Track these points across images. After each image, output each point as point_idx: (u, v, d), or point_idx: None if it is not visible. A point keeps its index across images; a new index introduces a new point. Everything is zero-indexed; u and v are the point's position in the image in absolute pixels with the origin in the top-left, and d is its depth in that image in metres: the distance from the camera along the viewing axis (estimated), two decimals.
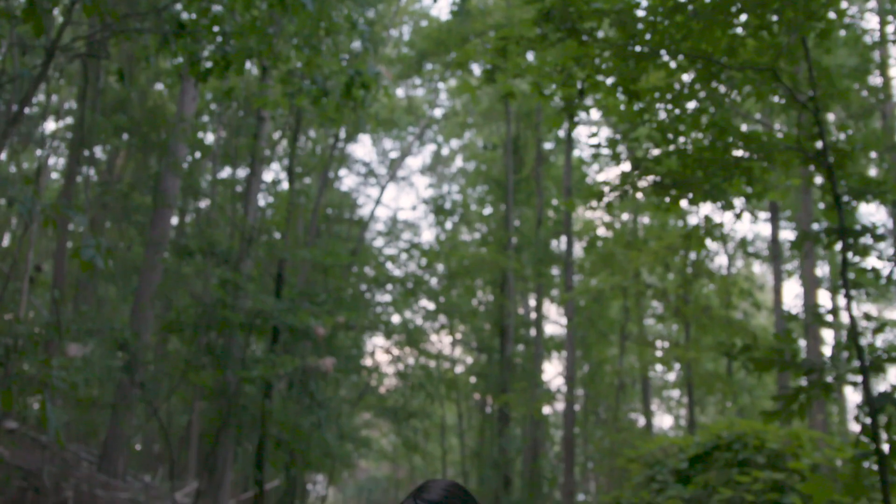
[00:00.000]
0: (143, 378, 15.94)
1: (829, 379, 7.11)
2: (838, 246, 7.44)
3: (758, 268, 34.58)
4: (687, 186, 7.92)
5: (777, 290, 23.36)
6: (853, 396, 34.38)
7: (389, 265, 29.56)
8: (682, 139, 8.02)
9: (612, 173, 24.19)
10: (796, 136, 7.62)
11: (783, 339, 7.07)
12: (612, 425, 22.59)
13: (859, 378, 7.04)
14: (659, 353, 24.13)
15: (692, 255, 21.95)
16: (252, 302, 15.97)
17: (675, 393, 39.55)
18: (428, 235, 53.29)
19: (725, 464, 10.48)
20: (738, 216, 12.12)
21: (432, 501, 2.16)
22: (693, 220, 23.11)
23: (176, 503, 16.63)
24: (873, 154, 19.23)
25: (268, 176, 27.89)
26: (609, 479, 20.20)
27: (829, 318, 10.73)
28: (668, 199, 8.36)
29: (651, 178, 8.02)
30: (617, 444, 21.04)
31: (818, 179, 8.36)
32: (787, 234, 27.36)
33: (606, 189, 8.42)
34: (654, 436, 20.33)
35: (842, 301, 8.09)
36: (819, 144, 7.54)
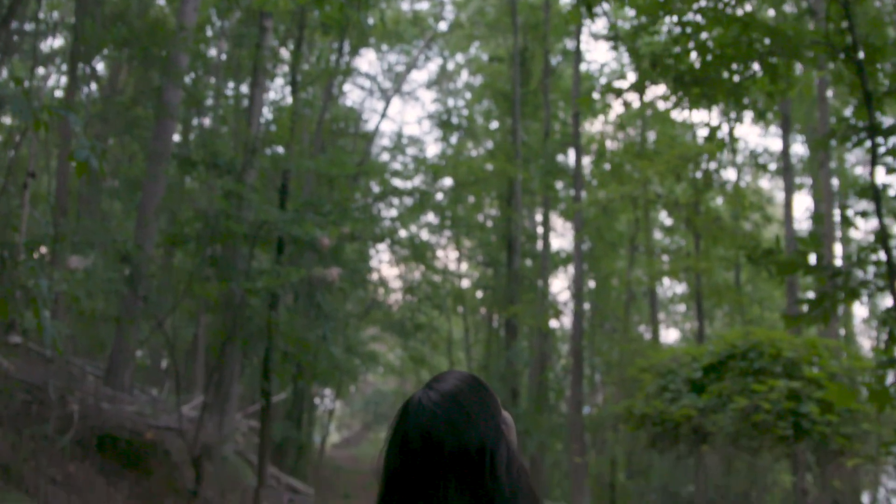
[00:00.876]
0: (146, 291, 15.74)
1: (855, 283, 6.82)
2: (867, 144, 7.10)
3: (767, 183, 34.24)
4: (708, 84, 7.56)
5: (788, 204, 23.06)
6: (860, 311, 34.25)
7: (396, 181, 29.18)
8: (703, 34, 7.63)
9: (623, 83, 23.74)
10: (825, 31, 7.22)
11: (808, 243, 6.77)
12: (622, 336, 22.42)
13: (883, 283, 6.77)
14: (668, 265, 23.89)
15: (704, 165, 21.61)
16: (256, 213, 15.70)
17: (682, 307, 39.54)
18: (433, 150, 52.80)
19: (740, 373, 10.27)
20: (761, 116, 11.71)
21: (444, 391, 2.03)
22: (703, 134, 22.75)
23: (182, 416, 16.54)
24: None
25: (271, 94, 27.48)
26: (619, 389, 20.07)
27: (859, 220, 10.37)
28: (687, 100, 8.00)
29: (671, 76, 7.64)
30: (627, 354, 20.90)
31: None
32: (799, 148, 26.94)
33: (624, 85, 8.05)
34: (663, 347, 20.22)
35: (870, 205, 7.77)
36: (849, 39, 7.15)
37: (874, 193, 6.90)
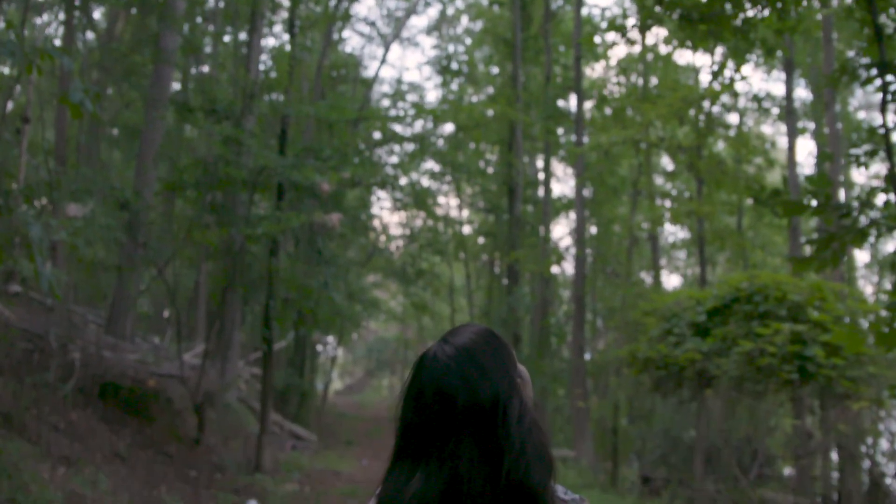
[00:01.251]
0: (146, 238, 15.64)
1: (863, 224, 6.70)
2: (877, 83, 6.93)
3: (769, 129, 33.97)
4: (714, 21, 7.37)
5: (791, 148, 22.90)
6: (861, 256, 34.11)
7: (396, 127, 28.93)
8: None
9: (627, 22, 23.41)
10: None
11: (816, 182, 6.62)
12: (625, 281, 22.33)
13: (891, 224, 6.64)
14: (671, 210, 23.74)
15: (707, 109, 21.39)
16: (255, 159, 15.55)
17: (683, 254, 39.50)
18: (434, 97, 52.41)
19: (745, 316, 10.18)
20: (769, 52, 11.50)
21: (458, 345, 2.06)
22: (705, 78, 22.51)
23: (184, 364, 16.52)
24: None
25: (270, 40, 27.18)
26: (623, 333, 19.99)
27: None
28: (693, 38, 7.83)
29: (677, 12, 7.45)
30: (630, 298, 20.82)
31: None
32: (802, 92, 26.70)
33: (629, 23, 7.86)
34: (665, 293, 20.14)
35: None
36: None
37: (885, 133, 6.75)
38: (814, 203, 6.68)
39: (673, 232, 37.29)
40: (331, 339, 36.16)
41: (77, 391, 14.60)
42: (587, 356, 24.06)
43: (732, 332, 9.84)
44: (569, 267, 34.22)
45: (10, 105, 19.05)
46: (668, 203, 27.26)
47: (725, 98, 22.89)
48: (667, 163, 30.64)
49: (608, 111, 25.63)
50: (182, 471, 14.38)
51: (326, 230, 15.93)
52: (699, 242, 23.00)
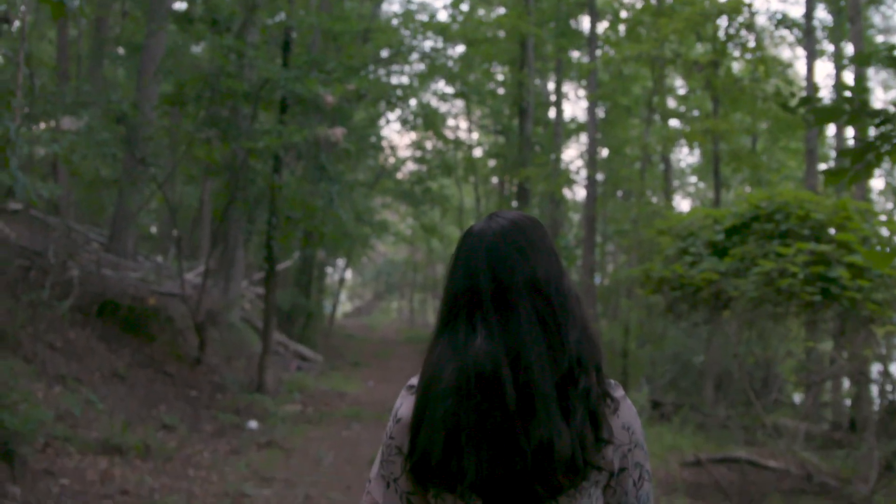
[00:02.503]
0: (145, 153, 15.19)
1: None
2: None
3: (787, 52, 33.19)
4: None
5: (809, 69, 22.25)
6: (876, 183, 33.49)
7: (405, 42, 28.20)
8: None
9: None
10: None
11: (852, 87, 6.12)
12: (638, 200, 21.81)
13: None
14: (687, 129, 23.09)
15: (724, 25, 20.68)
16: (258, 71, 15.02)
17: (694, 179, 39.03)
18: (443, 15, 51.38)
19: (765, 235, 9.69)
20: None
21: (510, 218, 2.08)
22: None
23: (185, 282, 16.17)
24: None
25: None
26: (636, 252, 19.51)
27: None
28: None
29: None
30: (643, 217, 20.36)
31: None
32: (821, 13, 25.85)
33: None
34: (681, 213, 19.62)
35: None
36: None
37: None
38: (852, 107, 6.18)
39: (683, 157, 36.82)
40: (339, 260, 35.94)
41: (75, 309, 14.28)
42: (597, 280, 23.70)
43: (752, 252, 9.37)
44: (579, 191, 33.81)
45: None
46: (682, 124, 26.61)
47: (743, 16, 22.17)
48: (680, 85, 30.01)
49: (622, 30, 24.92)
50: (182, 390, 14.11)
51: (331, 146, 15.43)
52: (714, 163, 22.43)
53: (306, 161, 16.36)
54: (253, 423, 13.09)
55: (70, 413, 10.56)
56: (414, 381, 2.03)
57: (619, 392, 1.98)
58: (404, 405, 2.02)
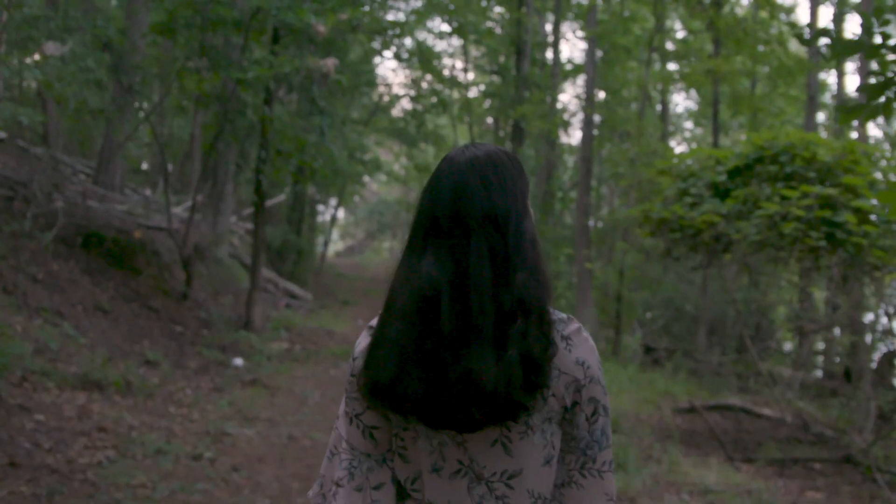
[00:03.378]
0: (132, 81, 14.76)
1: None
2: None
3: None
4: None
5: (812, 13, 21.87)
6: (874, 131, 33.08)
7: None
8: None
9: None
10: None
11: (869, 17, 5.73)
12: (636, 140, 21.35)
13: None
14: (687, 69, 22.59)
15: None
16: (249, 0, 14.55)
17: (690, 125, 38.67)
18: None
19: (769, 177, 9.36)
20: None
21: (483, 152, 2.03)
22: None
23: (172, 215, 15.84)
24: None
25: None
26: (635, 192, 19.10)
27: None
28: None
29: None
30: (642, 157, 19.96)
31: None
32: None
33: None
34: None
35: None
36: None
37: None
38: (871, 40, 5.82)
39: (680, 102, 36.42)
40: (332, 199, 35.61)
41: (59, 241, 13.96)
42: (591, 224, 23.39)
43: (755, 194, 9.04)
44: (575, 134, 33.47)
45: None
46: (681, 67, 26.13)
47: None
48: (680, 28, 29.55)
49: None
50: (167, 326, 13.84)
51: (323, 80, 15.00)
52: (713, 106, 22.05)
53: (298, 94, 15.96)
54: (238, 361, 12.85)
55: (49, 347, 10.29)
56: (374, 322, 2.02)
57: (572, 327, 1.95)
58: (362, 344, 2.03)
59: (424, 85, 32.94)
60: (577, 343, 1.93)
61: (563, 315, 1.98)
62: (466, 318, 1.83)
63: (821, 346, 19.02)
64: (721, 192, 9.68)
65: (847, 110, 5.88)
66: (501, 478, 1.90)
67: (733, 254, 9.71)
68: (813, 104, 21.72)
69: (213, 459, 7.41)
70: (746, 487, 7.47)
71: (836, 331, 14.12)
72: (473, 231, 1.90)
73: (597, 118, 24.32)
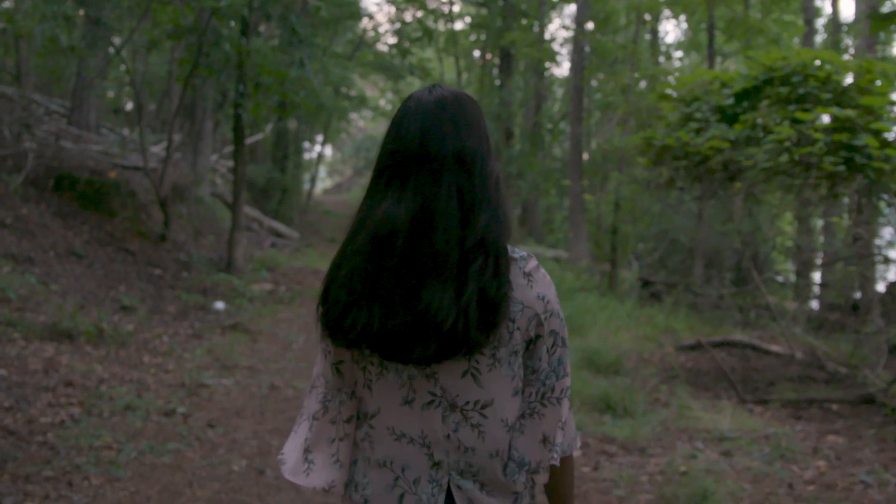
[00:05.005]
0: (100, 14, 14.00)
1: None
2: None
3: None
4: None
5: None
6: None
7: None
8: None
9: None
10: None
11: None
12: (631, 66, 20.55)
13: None
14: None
15: None
16: None
17: (680, 54, 37.88)
18: None
19: (780, 100, 8.71)
20: None
21: (449, 93, 2.02)
22: None
23: (148, 154, 15.16)
24: None
25: None
26: (636, 119, 18.32)
27: None
28: None
29: None
30: (638, 81, 19.23)
31: None
32: None
33: None
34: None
35: None
36: None
37: None
38: None
39: (669, 31, 35.60)
40: (318, 136, 34.91)
41: (29, 184, 13.33)
42: (584, 157, 22.74)
43: (766, 118, 8.40)
44: (564, 65, 32.70)
45: None
46: None
47: None
48: None
49: None
50: (145, 269, 13.24)
51: (302, 8, 14.25)
52: (709, 31, 21.30)
53: (276, 25, 15.20)
54: (220, 304, 12.27)
55: (19, 294, 9.70)
56: None
57: (531, 264, 1.98)
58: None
59: (408, 17, 32.09)
60: (538, 279, 1.97)
61: (524, 252, 2.01)
62: (427, 256, 1.84)
63: (816, 276, 18.52)
64: (728, 117, 9.03)
65: (880, 17, 5.27)
66: (475, 407, 1.93)
67: (743, 182, 9.10)
68: (811, 28, 21.07)
69: (186, 415, 6.85)
70: (763, 433, 6.95)
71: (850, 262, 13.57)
72: (442, 170, 1.90)
73: (587, 48, 23.57)
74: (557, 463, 2.00)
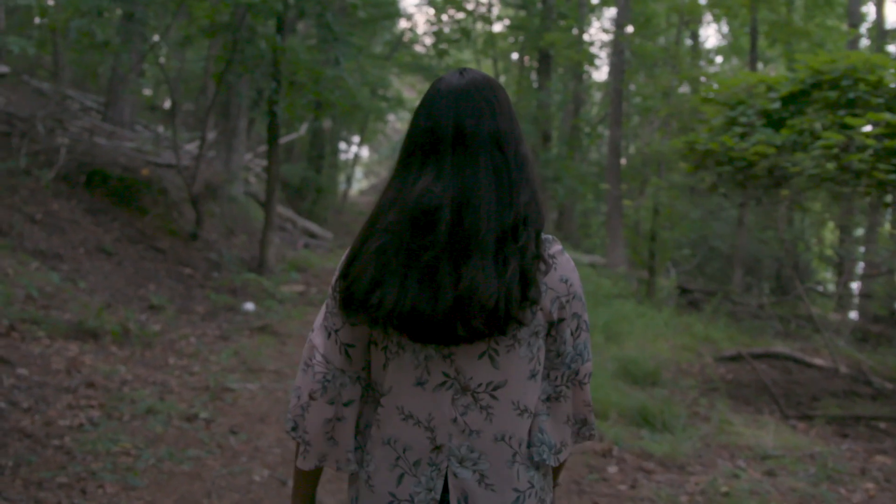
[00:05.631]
0: (135, 9, 13.88)
1: None
2: None
3: None
4: None
5: None
6: None
7: None
8: None
9: None
10: None
11: None
12: (673, 69, 20.19)
13: None
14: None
15: None
16: None
17: (720, 59, 37.53)
18: None
19: (829, 104, 8.39)
20: None
21: (480, 76, 2.02)
22: None
23: (181, 152, 15.04)
24: None
25: None
26: (678, 122, 17.98)
27: None
28: None
29: None
30: (681, 83, 18.88)
31: None
32: None
33: None
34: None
35: None
36: None
37: None
38: None
39: (710, 36, 35.24)
40: (355, 137, 34.84)
41: (60, 180, 13.23)
42: (622, 161, 22.42)
43: (814, 123, 8.09)
44: (603, 69, 32.48)
45: None
46: None
47: None
48: None
49: None
50: (175, 268, 13.09)
51: (339, 6, 14.06)
52: (752, 34, 20.93)
53: (312, 22, 15.03)
54: (250, 305, 12.09)
55: (45, 291, 9.56)
56: None
57: (556, 247, 2.00)
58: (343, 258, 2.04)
59: (446, 18, 31.94)
60: (561, 262, 1.98)
61: (549, 236, 2.00)
62: (469, 234, 1.84)
63: (854, 286, 18.07)
64: (774, 122, 8.73)
65: None
66: (487, 389, 1.93)
67: (790, 189, 8.78)
68: (856, 33, 20.68)
69: (209, 420, 6.64)
70: (808, 451, 6.65)
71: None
72: (480, 150, 1.91)
73: (627, 52, 23.28)
74: (594, 438, 2.16)
